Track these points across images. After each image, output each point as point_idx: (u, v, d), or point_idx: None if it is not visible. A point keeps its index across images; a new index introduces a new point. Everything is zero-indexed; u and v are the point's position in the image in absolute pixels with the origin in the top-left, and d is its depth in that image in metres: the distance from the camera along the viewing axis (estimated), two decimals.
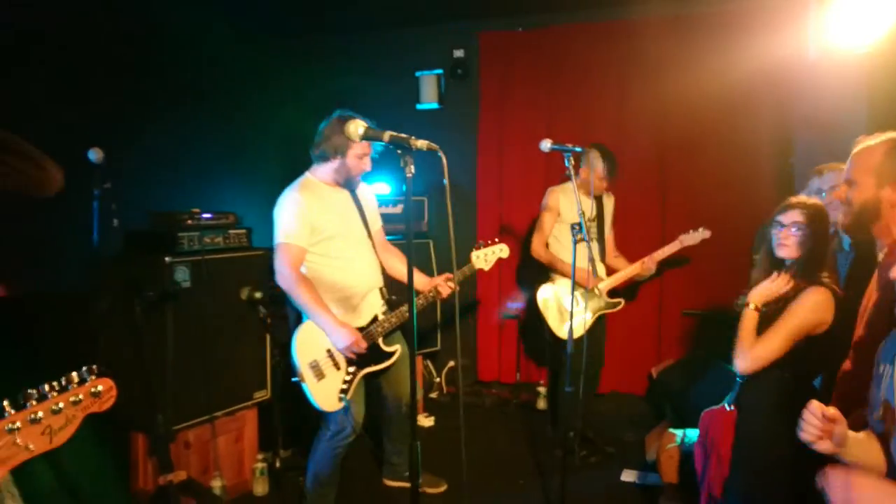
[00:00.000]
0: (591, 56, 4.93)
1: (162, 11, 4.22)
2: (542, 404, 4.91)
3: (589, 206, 4.00)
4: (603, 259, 4.19)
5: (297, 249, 2.94)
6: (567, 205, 4.07)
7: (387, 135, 1.79)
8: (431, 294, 3.14)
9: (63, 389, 1.09)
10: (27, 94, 3.75)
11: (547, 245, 4.13)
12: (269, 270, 3.71)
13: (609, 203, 4.23)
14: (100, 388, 1.16)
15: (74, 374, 1.12)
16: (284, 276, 2.93)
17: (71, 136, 3.43)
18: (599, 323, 4.09)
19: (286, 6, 4.88)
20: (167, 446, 3.24)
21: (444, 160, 1.73)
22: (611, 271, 4.20)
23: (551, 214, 4.11)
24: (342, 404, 3.01)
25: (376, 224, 3.29)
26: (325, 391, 3.00)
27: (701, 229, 4.07)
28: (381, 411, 3.46)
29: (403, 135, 1.77)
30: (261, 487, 3.66)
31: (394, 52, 5.51)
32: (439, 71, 5.37)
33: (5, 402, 1.04)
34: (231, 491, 3.56)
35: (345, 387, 3.02)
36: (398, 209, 4.67)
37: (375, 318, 3.11)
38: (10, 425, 1.01)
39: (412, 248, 1.90)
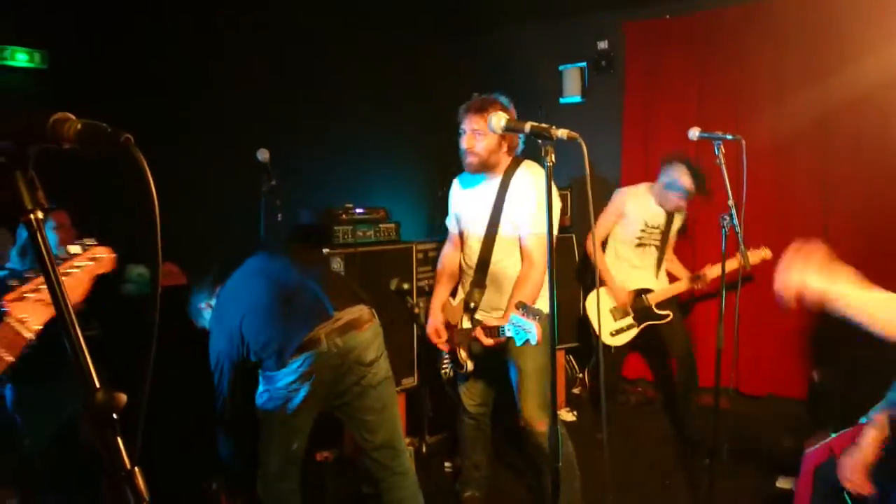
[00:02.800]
0: (742, 40, 4.67)
1: (317, 19, 4.52)
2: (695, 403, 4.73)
3: (654, 213, 4.01)
4: (659, 269, 4.13)
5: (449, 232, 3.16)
6: (635, 208, 4.02)
7: (528, 125, 1.83)
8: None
9: (67, 259, 1.31)
10: (208, 103, 4.16)
11: (604, 245, 4.16)
12: (419, 261, 3.88)
13: (679, 219, 4.09)
14: (99, 254, 1.39)
15: (72, 246, 1.36)
16: None
17: (243, 137, 3.78)
18: (654, 333, 4.11)
19: (434, 10, 5.05)
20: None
21: (585, 148, 1.74)
22: (671, 277, 4.20)
23: (610, 217, 4.11)
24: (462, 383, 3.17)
25: (509, 223, 2.86)
26: (440, 360, 3.18)
27: (763, 248, 3.94)
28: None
29: (544, 125, 1.80)
30: None
31: (536, 47, 5.53)
32: (583, 64, 5.32)
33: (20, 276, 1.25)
34: None
35: (444, 366, 3.14)
36: None
37: (456, 326, 3.01)
38: (35, 286, 1.24)
39: (553, 242, 1.92)
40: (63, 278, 1.18)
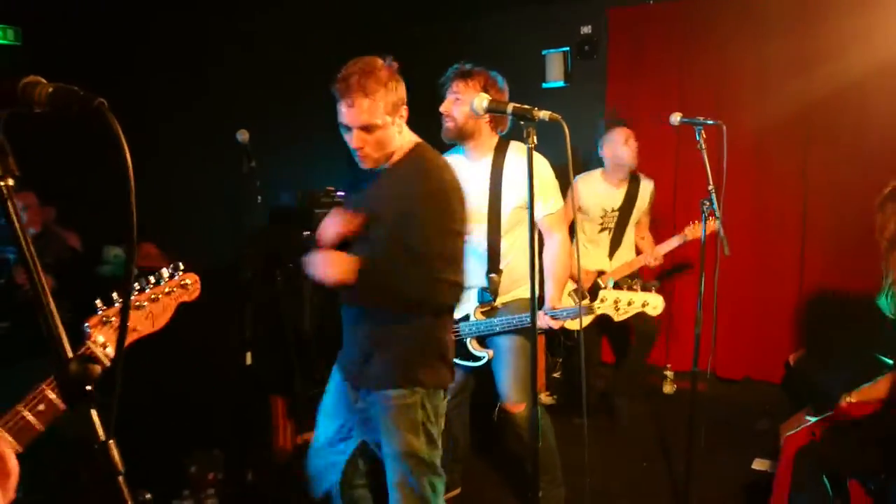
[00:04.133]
0: (725, 28, 4.69)
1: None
2: (667, 388, 4.79)
3: (608, 196, 4.01)
4: (615, 250, 4.13)
5: None
6: (589, 196, 4.03)
7: (510, 106, 1.82)
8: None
9: (157, 283, 1.28)
10: (186, 82, 4.10)
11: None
12: None
13: (647, 187, 4.10)
14: (188, 281, 1.35)
15: (164, 270, 1.32)
16: None
17: (222, 117, 3.73)
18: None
19: None
20: (304, 409, 3.49)
21: (567, 130, 1.74)
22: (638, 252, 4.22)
23: (567, 209, 4.10)
24: None
25: (512, 203, 2.82)
26: None
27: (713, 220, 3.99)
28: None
29: (526, 106, 1.79)
30: None
31: (520, 31, 5.51)
32: (566, 49, 5.31)
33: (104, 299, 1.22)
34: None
35: None
36: None
37: (467, 317, 2.94)
38: (115, 311, 1.21)
39: (534, 226, 1.93)
40: (150, 304, 1.16)
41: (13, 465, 0.81)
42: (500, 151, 2.83)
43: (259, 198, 3.33)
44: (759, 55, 4.59)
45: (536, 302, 1.86)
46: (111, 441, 0.63)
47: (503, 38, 5.57)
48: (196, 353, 3.42)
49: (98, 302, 1.20)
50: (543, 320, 2.80)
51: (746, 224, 4.52)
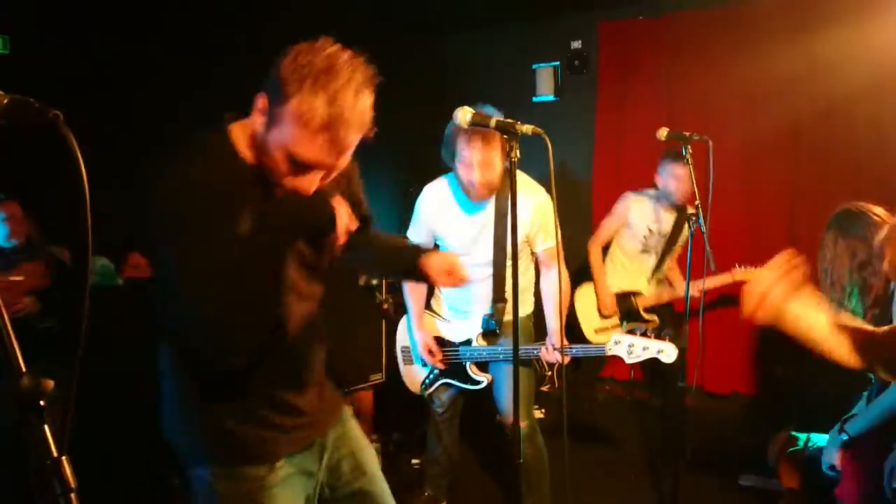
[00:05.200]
0: (712, 44, 4.72)
1: (285, 12, 4.48)
2: (655, 402, 4.78)
3: (659, 219, 3.99)
4: (655, 274, 4.13)
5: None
6: (639, 215, 4.02)
7: (493, 120, 1.82)
8: (534, 353, 2.91)
9: None
10: (173, 91, 4.09)
11: (606, 249, 4.16)
12: None
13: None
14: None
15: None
16: None
17: (211, 127, 3.72)
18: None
19: (406, 7, 5.03)
20: None
21: (549, 144, 1.74)
22: (669, 283, 4.22)
23: (614, 222, 4.10)
24: (421, 394, 3.19)
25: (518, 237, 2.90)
26: (411, 376, 3.22)
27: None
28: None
29: (509, 120, 1.80)
30: None
31: (510, 46, 5.54)
32: (556, 63, 5.35)
33: None
34: None
35: (427, 382, 3.16)
36: None
37: (469, 342, 3.01)
38: None
39: (517, 242, 1.92)
40: None
41: None
42: (504, 185, 2.79)
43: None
44: (748, 70, 4.62)
45: (519, 326, 1.86)
46: (63, 458, 0.62)
47: (493, 52, 5.60)
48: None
49: None
50: (552, 355, 2.81)
51: (734, 239, 4.53)
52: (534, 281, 3.11)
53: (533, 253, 2.98)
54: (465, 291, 2.98)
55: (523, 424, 2.88)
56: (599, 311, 4.11)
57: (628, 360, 2.79)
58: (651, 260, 4.11)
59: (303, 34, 1.34)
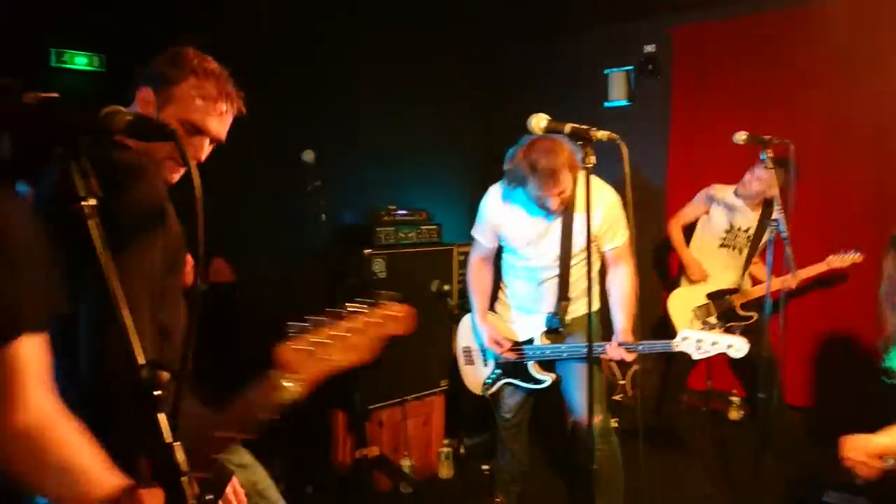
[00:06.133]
0: (791, 45, 4.56)
1: (359, 19, 4.59)
2: (734, 414, 4.64)
3: (741, 216, 3.96)
4: (746, 270, 4.06)
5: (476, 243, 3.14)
6: (718, 209, 4.02)
7: (568, 126, 1.84)
8: (600, 350, 2.84)
9: (359, 312, 1.14)
10: (253, 103, 4.26)
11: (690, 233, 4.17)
12: (460, 264, 3.92)
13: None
14: (397, 312, 1.20)
15: (369, 301, 1.19)
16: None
17: (288, 138, 3.86)
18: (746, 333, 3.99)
19: (478, 15, 5.08)
20: (363, 424, 3.54)
21: (624, 150, 1.74)
22: (755, 280, 4.11)
23: (696, 207, 4.11)
24: (483, 394, 3.19)
25: (582, 236, 2.88)
26: (472, 377, 3.24)
27: (853, 252, 3.90)
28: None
29: (584, 126, 1.81)
30: (446, 471, 3.85)
31: (581, 51, 5.51)
32: (629, 68, 5.28)
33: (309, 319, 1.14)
34: (418, 471, 3.79)
35: (489, 382, 3.16)
36: None
37: (531, 341, 3.05)
38: (318, 339, 1.10)
39: (591, 246, 1.93)
40: (352, 334, 1.08)
41: None
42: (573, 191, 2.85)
43: (323, 216, 3.42)
44: (827, 72, 4.45)
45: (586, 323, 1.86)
46: (177, 443, 0.67)
47: (565, 57, 5.58)
48: (260, 367, 3.51)
49: (294, 325, 1.12)
50: (617, 352, 2.78)
51: (817, 246, 4.35)
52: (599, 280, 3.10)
53: (600, 252, 2.97)
54: (532, 290, 3.01)
55: (597, 420, 2.86)
56: (694, 312, 4.04)
57: (696, 356, 2.74)
58: (734, 255, 4.07)
59: (380, 44, 1.42)
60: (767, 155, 2.89)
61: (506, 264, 3.15)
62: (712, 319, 4.04)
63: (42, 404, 0.96)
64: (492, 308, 3.21)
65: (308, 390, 1.09)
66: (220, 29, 4.32)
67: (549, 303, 3.01)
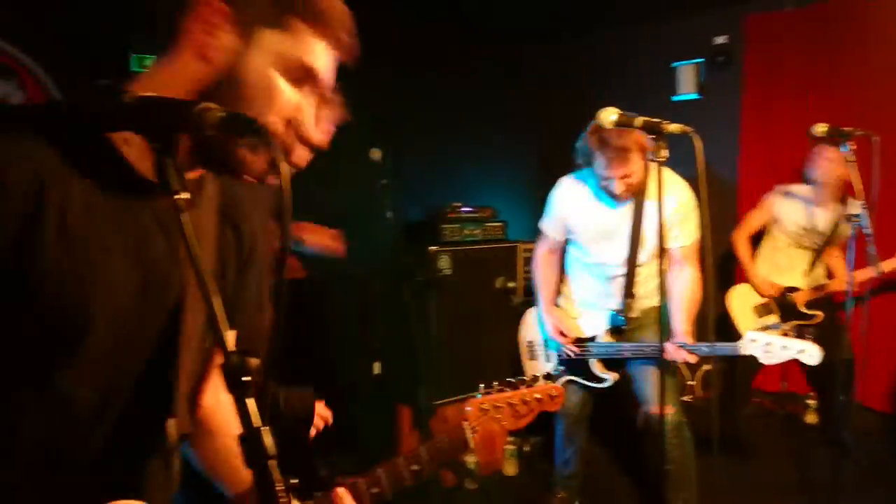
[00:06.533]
0: (874, 32, 4.35)
1: (425, 21, 4.62)
2: (810, 418, 4.46)
3: (812, 216, 3.81)
4: (813, 269, 3.91)
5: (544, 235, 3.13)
6: (788, 210, 3.87)
7: (639, 120, 1.81)
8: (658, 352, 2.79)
9: (529, 385, 1.32)
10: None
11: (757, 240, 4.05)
12: (525, 261, 3.90)
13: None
14: (554, 393, 1.37)
15: (537, 375, 1.37)
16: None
17: (355, 136, 3.92)
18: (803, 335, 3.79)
19: (542, 9, 5.04)
20: (428, 420, 3.57)
21: (698, 143, 1.70)
22: (830, 275, 3.94)
23: (761, 214, 4.00)
24: None
25: (652, 233, 2.86)
26: (533, 372, 3.14)
27: None
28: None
29: (655, 119, 1.77)
30: (511, 469, 3.85)
31: (648, 44, 5.40)
32: (699, 60, 5.15)
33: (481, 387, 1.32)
34: (483, 468, 3.79)
35: (551, 377, 3.09)
36: None
37: (594, 338, 3.01)
38: (496, 403, 1.26)
39: (664, 242, 1.90)
40: (519, 403, 1.24)
41: None
42: (646, 183, 2.80)
43: (389, 213, 3.47)
44: None
45: (651, 319, 1.83)
46: (265, 428, 0.70)
47: (631, 51, 5.49)
48: (326, 361, 3.59)
49: (482, 387, 1.29)
50: (678, 353, 2.72)
51: None
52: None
53: (666, 249, 2.86)
54: (598, 287, 2.99)
55: (670, 412, 2.81)
56: (755, 310, 3.93)
57: (764, 361, 2.64)
58: (806, 256, 3.94)
59: (443, 43, 1.44)
60: (850, 147, 2.76)
61: (572, 259, 3.12)
62: (774, 318, 3.91)
63: (220, 391, 1.14)
64: (556, 304, 3.19)
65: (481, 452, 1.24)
66: None
67: (614, 300, 2.98)
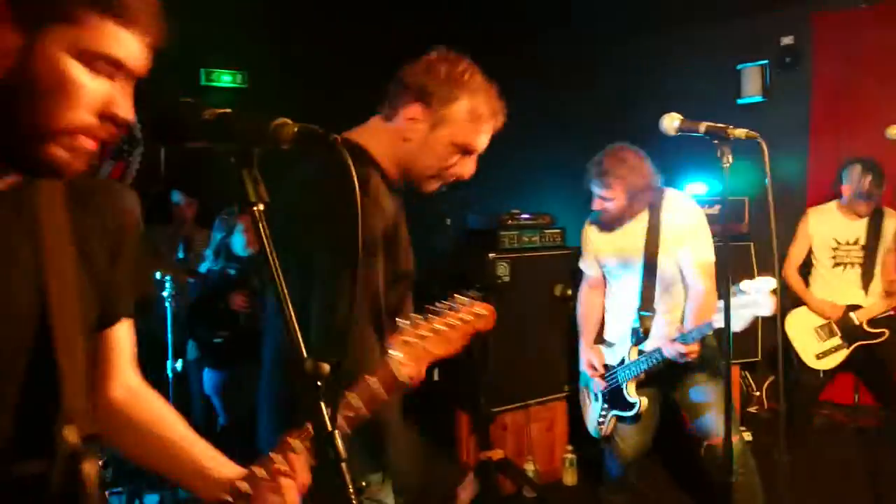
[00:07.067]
0: None
1: (482, 25, 4.64)
2: (889, 432, 4.27)
3: (845, 229, 3.80)
4: (868, 285, 3.78)
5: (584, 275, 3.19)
6: (820, 228, 3.86)
7: (703, 126, 1.79)
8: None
9: (453, 308, 1.27)
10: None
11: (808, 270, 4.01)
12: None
13: (891, 223, 3.68)
14: (482, 311, 1.31)
15: (460, 297, 1.30)
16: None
17: None
18: (870, 353, 3.76)
19: (605, 10, 5.01)
20: (487, 426, 3.57)
21: (765, 148, 1.66)
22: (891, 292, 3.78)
23: (799, 241, 3.98)
24: (599, 436, 3.08)
25: (667, 254, 2.85)
26: (588, 416, 3.14)
27: None
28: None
29: (720, 124, 1.74)
30: (570, 477, 3.81)
31: (712, 45, 5.28)
32: (764, 62, 5.02)
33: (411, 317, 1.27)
34: (542, 476, 3.77)
35: (601, 420, 3.03)
36: (715, 210, 4.45)
37: (623, 361, 2.92)
38: (422, 333, 1.23)
39: (728, 250, 1.86)
40: (448, 329, 1.26)
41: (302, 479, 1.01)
42: (656, 206, 2.83)
43: (448, 220, 3.50)
44: None
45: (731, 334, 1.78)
46: (336, 431, 0.72)
47: (694, 53, 5.38)
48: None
49: (402, 321, 1.26)
50: (673, 348, 2.64)
51: None
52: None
53: (678, 265, 2.86)
54: (618, 309, 2.99)
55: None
56: (817, 332, 3.82)
57: (737, 328, 2.31)
58: (851, 272, 3.85)
59: (498, 46, 1.49)
60: None
61: (607, 288, 3.11)
62: (837, 339, 3.79)
63: (129, 381, 1.15)
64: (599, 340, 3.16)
65: (414, 376, 1.24)
66: (340, 45, 4.52)
67: (628, 317, 2.94)
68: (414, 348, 1.20)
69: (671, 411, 3.09)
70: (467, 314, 1.25)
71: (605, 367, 3.01)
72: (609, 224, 2.91)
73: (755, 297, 2.31)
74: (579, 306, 3.19)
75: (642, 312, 2.87)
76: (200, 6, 4.36)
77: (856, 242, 3.83)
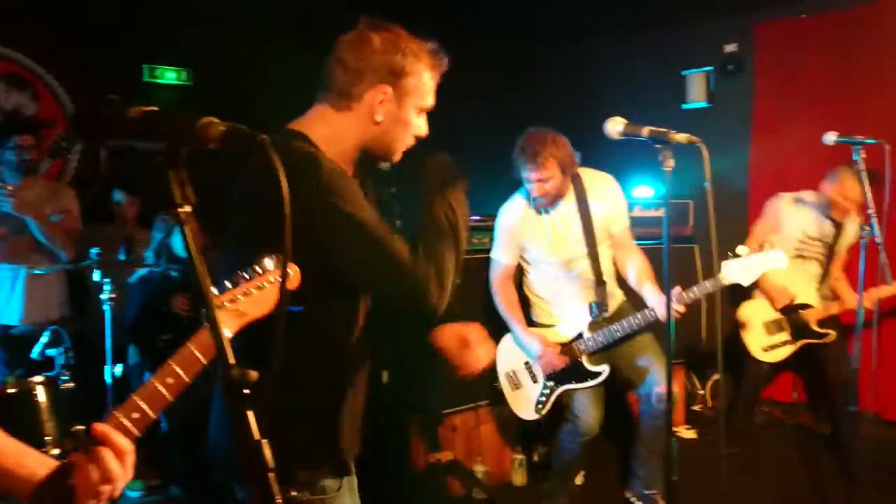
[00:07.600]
0: (886, 40, 4.34)
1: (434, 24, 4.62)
2: (824, 429, 4.41)
3: (815, 224, 3.80)
4: (823, 281, 3.86)
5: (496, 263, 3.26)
6: (793, 217, 3.82)
7: (646, 130, 1.81)
8: (652, 314, 2.92)
9: (259, 273, 1.28)
10: None
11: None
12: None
13: (852, 228, 3.78)
14: (290, 271, 1.32)
15: (267, 260, 1.30)
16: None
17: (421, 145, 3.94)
18: (813, 354, 3.84)
19: (553, 13, 5.05)
20: (436, 428, 3.56)
21: (706, 153, 1.69)
22: (834, 295, 3.90)
23: (767, 220, 3.93)
24: (538, 416, 3.19)
25: (599, 223, 3.06)
26: (522, 401, 3.21)
27: None
28: (628, 420, 3.43)
29: (662, 129, 1.77)
30: (519, 478, 3.82)
31: (658, 51, 5.39)
32: (709, 68, 5.14)
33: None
34: (492, 478, 3.77)
35: (542, 399, 3.15)
36: (660, 213, 4.54)
37: (580, 335, 3.07)
38: (231, 296, 1.24)
39: (670, 252, 1.88)
40: (257, 291, 1.25)
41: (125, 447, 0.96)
42: (577, 184, 3.04)
43: (398, 223, 3.47)
44: None
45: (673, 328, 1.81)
46: (264, 441, 0.70)
47: (640, 58, 5.48)
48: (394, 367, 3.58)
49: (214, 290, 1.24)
50: (679, 299, 2.80)
51: None
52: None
53: (611, 235, 3.12)
54: (567, 289, 3.11)
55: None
56: (766, 326, 3.89)
57: (745, 281, 2.75)
58: (811, 267, 3.88)
59: (450, 45, 1.52)
60: (861, 156, 2.75)
61: (533, 274, 3.20)
62: (784, 335, 3.87)
63: None
64: (530, 322, 3.25)
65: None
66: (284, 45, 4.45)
67: (587, 292, 3.10)
68: (228, 312, 1.22)
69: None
70: (275, 275, 1.28)
71: (561, 345, 3.09)
72: (546, 206, 3.02)
73: (767, 254, 2.70)
74: (501, 298, 3.22)
75: (599, 286, 3.07)
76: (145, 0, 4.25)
77: (821, 240, 3.83)
